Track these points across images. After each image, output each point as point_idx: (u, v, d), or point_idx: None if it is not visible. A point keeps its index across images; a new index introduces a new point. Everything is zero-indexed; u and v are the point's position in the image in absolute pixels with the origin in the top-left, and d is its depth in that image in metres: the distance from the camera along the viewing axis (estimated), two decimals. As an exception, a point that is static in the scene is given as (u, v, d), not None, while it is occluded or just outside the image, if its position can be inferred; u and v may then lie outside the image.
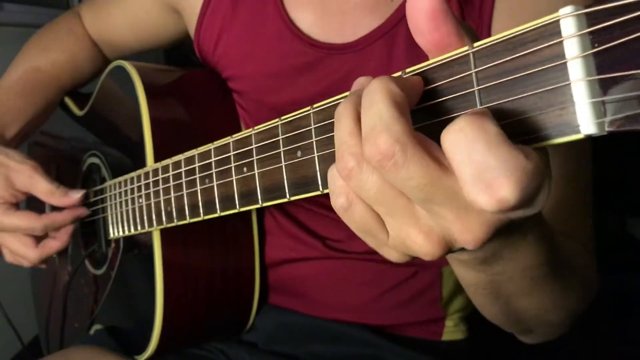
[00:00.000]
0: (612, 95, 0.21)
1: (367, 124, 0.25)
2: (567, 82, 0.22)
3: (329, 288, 0.67)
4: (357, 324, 0.66)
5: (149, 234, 0.61)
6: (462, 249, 0.28)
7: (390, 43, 0.58)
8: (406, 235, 0.27)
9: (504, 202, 0.22)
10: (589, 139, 0.21)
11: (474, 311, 0.69)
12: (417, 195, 0.25)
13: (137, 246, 0.65)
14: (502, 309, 0.44)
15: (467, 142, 0.23)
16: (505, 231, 0.28)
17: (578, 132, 0.22)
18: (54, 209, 0.72)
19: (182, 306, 0.62)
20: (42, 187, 0.67)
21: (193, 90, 0.68)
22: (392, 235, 0.28)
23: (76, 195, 0.68)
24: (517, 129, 0.24)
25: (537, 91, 0.23)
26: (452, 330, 0.69)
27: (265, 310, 0.71)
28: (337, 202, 0.29)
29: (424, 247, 0.27)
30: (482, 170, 0.22)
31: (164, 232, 0.60)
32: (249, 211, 0.67)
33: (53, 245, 0.69)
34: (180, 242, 0.62)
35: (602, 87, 0.22)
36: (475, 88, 0.26)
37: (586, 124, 0.22)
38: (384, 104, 0.25)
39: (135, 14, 0.78)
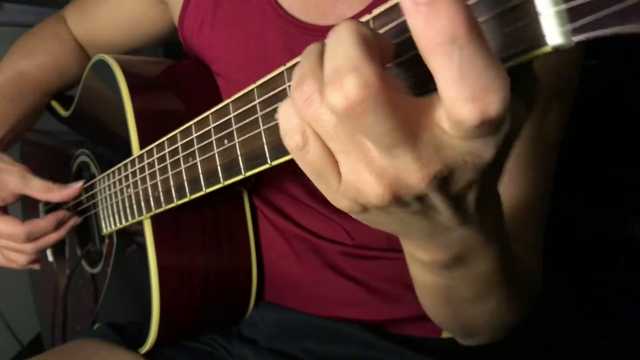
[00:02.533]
0: (574, 2, 0.21)
1: (330, 65, 0.23)
2: (529, -6, 0.22)
3: (323, 285, 0.66)
4: (355, 322, 0.65)
5: (141, 226, 0.60)
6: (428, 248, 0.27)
7: None
8: (357, 176, 0.25)
9: (490, 114, 0.21)
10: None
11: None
12: (381, 141, 0.23)
13: (130, 240, 0.65)
14: (451, 312, 0.44)
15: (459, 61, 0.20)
16: (473, 225, 0.27)
17: (545, 44, 0.22)
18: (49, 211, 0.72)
19: (179, 298, 0.62)
20: (37, 186, 0.66)
21: (177, 81, 0.67)
22: (344, 178, 0.26)
23: (76, 185, 0.67)
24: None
25: (500, 9, 0.23)
26: None
27: (263, 307, 0.70)
28: (292, 141, 0.26)
29: (375, 190, 0.25)
30: (474, 88, 0.21)
31: (155, 223, 0.59)
32: (242, 201, 0.67)
33: (41, 242, 0.69)
34: (173, 232, 0.61)
35: (564, -6, 0.21)
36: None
37: (552, 34, 0.22)
38: (352, 44, 0.22)
39: (122, 8, 0.77)
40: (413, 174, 0.24)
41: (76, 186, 0.67)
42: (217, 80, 0.68)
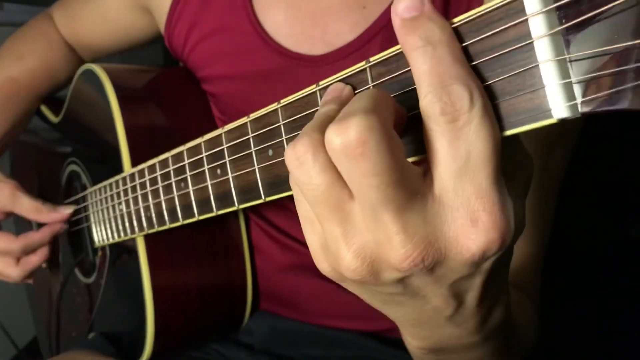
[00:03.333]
0: (583, 75, 0.20)
1: (342, 113, 0.23)
2: (534, 64, 0.21)
3: (320, 297, 0.65)
4: (354, 331, 0.65)
5: (135, 240, 0.59)
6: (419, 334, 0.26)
7: (362, 59, 0.55)
8: (335, 246, 0.24)
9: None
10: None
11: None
12: (370, 196, 0.22)
13: (124, 253, 0.64)
14: None
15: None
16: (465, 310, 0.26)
17: (550, 116, 0.21)
18: (41, 225, 0.70)
19: (173, 312, 0.61)
20: (26, 205, 0.65)
21: (167, 90, 0.66)
22: (325, 244, 0.25)
23: (66, 211, 0.66)
24: (487, 116, 0.23)
25: (505, 76, 0.22)
26: None
27: (260, 316, 0.70)
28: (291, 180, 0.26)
29: (351, 263, 0.24)
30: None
31: (148, 238, 0.59)
32: (237, 213, 0.66)
33: (33, 260, 0.68)
34: (166, 247, 0.60)
35: (572, 67, 0.20)
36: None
37: (558, 107, 0.21)
38: (369, 97, 0.23)
39: (107, 14, 0.75)
40: (395, 249, 0.23)
41: (65, 212, 0.66)
42: (208, 96, 0.66)
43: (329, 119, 0.24)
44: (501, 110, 0.22)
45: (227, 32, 0.60)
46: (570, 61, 0.20)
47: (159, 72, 0.67)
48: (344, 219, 0.24)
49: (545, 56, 0.20)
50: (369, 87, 0.27)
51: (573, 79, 0.20)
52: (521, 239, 0.49)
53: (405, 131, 0.26)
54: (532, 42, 0.21)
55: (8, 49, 0.82)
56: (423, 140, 0.23)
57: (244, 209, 0.67)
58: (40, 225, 0.70)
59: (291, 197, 0.70)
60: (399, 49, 0.25)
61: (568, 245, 0.52)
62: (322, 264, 0.26)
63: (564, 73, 0.20)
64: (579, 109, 0.20)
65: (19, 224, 0.87)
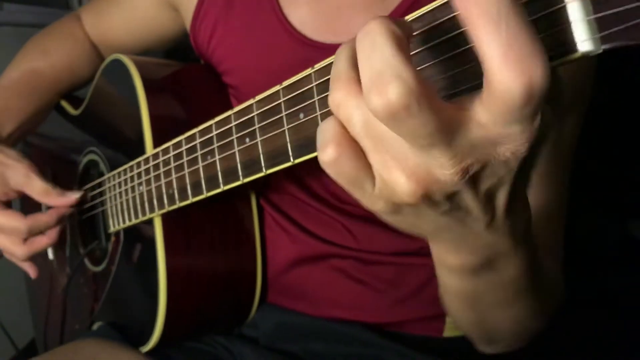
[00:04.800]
0: (604, 12, 0.22)
1: (369, 70, 0.23)
2: (562, 5, 0.23)
3: (327, 288, 0.67)
4: (357, 323, 0.66)
5: (150, 225, 0.61)
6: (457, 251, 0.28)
7: None
8: (388, 174, 0.26)
9: (534, 82, 0.22)
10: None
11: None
12: (419, 142, 0.24)
13: (138, 237, 0.65)
14: (476, 318, 0.44)
15: (498, 18, 0.21)
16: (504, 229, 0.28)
17: (575, 50, 0.23)
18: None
19: (185, 295, 0.62)
20: (37, 187, 0.67)
21: (190, 83, 0.69)
22: (378, 178, 0.27)
23: (74, 195, 0.68)
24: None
25: (534, 16, 0.24)
26: (453, 327, 0.68)
27: (265, 309, 0.71)
28: (325, 156, 0.27)
29: (407, 187, 0.26)
30: (516, 52, 0.21)
31: (165, 223, 0.60)
32: (250, 203, 0.68)
33: (41, 241, 0.69)
34: (182, 233, 0.62)
35: (594, 4, 0.23)
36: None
37: (582, 41, 0.23)
38: (389, 49, 0.23)
39: (134, 13, 0.79)
40: (446, 169, 0.25)
41: (73, 197, 0.68)
42: (229, 90, 0.69)
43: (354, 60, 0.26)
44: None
45: (254, 26, 0.63)
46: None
47: (182, 66, 0.70)
48: (392, 148, 0.26)
49: (571, -4, 0.23)
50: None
51: (595, 15, 0.23)
52: (540, 193, 0.51)
53: (436, 68, 0.28)
54: (560, -15, 0.23)
55: (35, 43, 0.86)
56: (452, 78, 0.26)
57: (260, 199, 0.69)
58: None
59: (306, 188, 0.72)
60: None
61: (568, 245, 0.54)
62: (376, 204, 0.28)
63: (587, 10, 0.23)
64: (601, 44, 0.23)
65: (26, 210, 0.88)
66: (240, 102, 0.67)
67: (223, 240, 0.65)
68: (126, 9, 0.80)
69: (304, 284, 0.68)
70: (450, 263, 0.34)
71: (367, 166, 0.28)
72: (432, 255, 0.37)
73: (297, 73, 0.61)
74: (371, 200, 0.29)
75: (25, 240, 0.68)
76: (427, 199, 0.27)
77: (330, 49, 0.59)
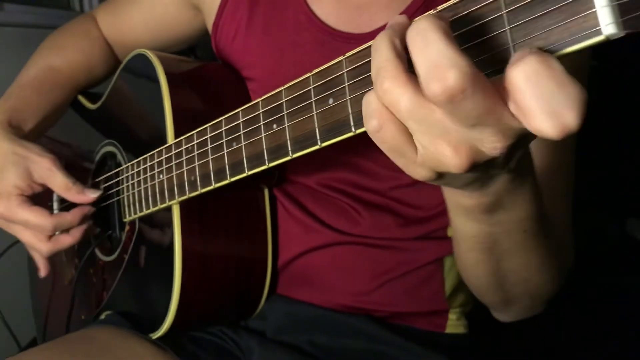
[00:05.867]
0: (628, -1, 0.25)
1: (426, 62, 0.27)
2: (587, -8, 0.26)
3: (336, 274, 0.69)
4: (363, 315, 0.68)
5: (167, 213, 0.62)
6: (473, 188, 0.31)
7: None
8: (435, 149, 0.29)
9: (568, 128, 0.25)
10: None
11: (474, 308, 0.72)
12: (471, 121, 0.27)
13: (154, 225, 0.67)
14: (492, 269, 0.47)
15: (536, 77, 0.26)
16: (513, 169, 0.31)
17: (599, 33, 0.26)
18: (62, 205, 0.73)
19: (198, 282, 0.64)
20: (59, 181, 0.68)
21: (211, 78, 0.71)
22: (422, 151, 0.30)
23: (92, 195, 0.69)
24: (545, 41, 0.28)
25: (560, 4, 0.27)
26: (455, 324, 0.70)
27: (274, 300, 0.72)
28: (370, 125, 0.31)
29: (454, 160, 0.29)
30: (550, 103, 0.25)
31: (182, 211, 0.61)
32: (263, 196, 0.69)
33: (65, 240, 0.71)
34: (198, 221, 0.63)
35: (619, -8, 0.25)
36: (504, 11, 0.29)
37: (606, 25, 0.25)
38: (443, 42, 0.26)
39: (152, 11, 0.81)
40: (490, 144, 0.28)
41: (92, 195, 0.69)
42: (249, 84, 0.71)
43: (401, 43, 0.29)
44: (556, 35, 0.27)
45: (279, 22, 0.66)
46: (617, -12, 0.25)
47: (204, 63, 0.73)
48: (435, 124, 0.29)
49: (596, -15, 0.25)
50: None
51: (619, 1, 0.25)
52: (540, 155, 0.54)
53: (477, 49, 0.31)
54: (586, -26, 0.26)
55: (50, 41, 0.88)
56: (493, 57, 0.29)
57: (273, 189, 0.70)
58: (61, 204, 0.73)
59: (320, 176, 0.74)
60: None
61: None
62: (419, 173, 0.32)
63: (612, -3, 0.25)
64: (623, 28, 0.25)
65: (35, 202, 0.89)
66: (260, 95, 0.70)
67: (237, 228, 0.67)
68: (145, 8, 0.82)
69: (313, 271, 0.69)
70: (467, 204, 0.38)
71: (409, 136, 0.31)
72: (446, 201, 0.41)
73: (322, 64, 0.64)
74: (413, 167, 0.31)
75: (49, 237, 0.70)
76: (473, 168, 0.30)
77: (357, 39, 0.63)
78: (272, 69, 0.67)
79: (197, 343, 0.70)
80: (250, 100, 0.70)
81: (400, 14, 0.62)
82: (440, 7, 0.32)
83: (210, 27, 0.74)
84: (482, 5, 0.30)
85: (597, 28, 0.26)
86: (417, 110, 0.29)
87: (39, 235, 0.69)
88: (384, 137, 0.31)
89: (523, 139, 0.29)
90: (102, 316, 0.76)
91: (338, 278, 0.68)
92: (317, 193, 0.68)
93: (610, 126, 0.94)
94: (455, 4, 0.31)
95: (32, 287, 1.00)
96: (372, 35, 0.62)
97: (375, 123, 0.31)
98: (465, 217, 0.40)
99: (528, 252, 0.45)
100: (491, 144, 0.28)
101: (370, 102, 0.31)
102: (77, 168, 0.84)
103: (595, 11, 0.26)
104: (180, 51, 0.86)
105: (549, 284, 0.51)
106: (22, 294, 1.02)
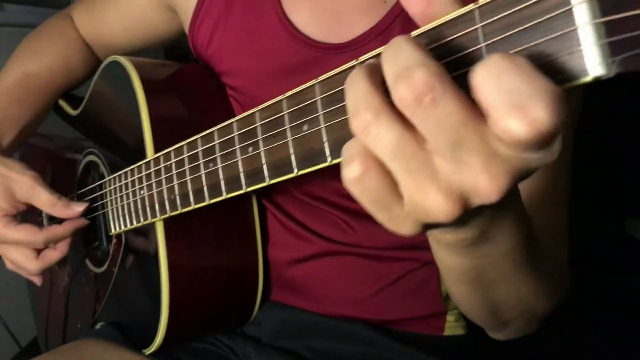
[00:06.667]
0: (617, 36, 0.22)
1: (395, 68, 0.24)
2: (573, 28, 0.23)
3: (330, 284, 0.67)
4: (359, 321, 0.66)
5: (152, 227, 0.61)
6: (454, 227, 0.28)
7: (385, 42, 0.58)
8: (424, 195, 0.26)
9: (538, 124, 0.22)
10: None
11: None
12: (448, 137, 0.24)
13: (140, 240, 0.65)
14: (481, 298, 0.44)
15: (499, 72, 0.22)
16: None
17: (586, 74, 0.23)
18: (52, 218, 0.71)
19: (188, 298, 0.62)
20: (43, 199, 0.66)
21: (190, 84, 0.68)
22: (409, 200, 0.26)
23: (79, 208, 0.68)
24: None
25: (544, 39, 0.24)
26: (453, 325, 0.69)
27: (268, 307, 0.71)
28: (351, 171, 0.27)
29: (443, 207, 0.25)
30: (514, 96, 0.22)
31: (167, 224, 0.60)
32: (251, 204, 0.68)
33: (53, 255, 0.69)
34: (184, 233, 0.62)
35: (607, 29, 0.22)
36: (482, 44, 0.26)
37: (594, 66, 0.23)
38: (413, 49, 0.24)
39: (130, 12, 0.77)
40: (483, 185, 0.24)
41: (78, 209, 0.67)
42: (228, 91, 0.69)
43: (379, 77, 0.26)
44: (542, 70, 0.24)
45: (255, 28, 0.63)
46: (606, 23, 0.22)
47: (181, 66, 0.70)
48: (423, 165, 0.25)
49: (583, 20, 0.23)
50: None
51: (608, 40, 0.22)
52: (540, 178, 0.51)
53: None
54: (572, 8, 0.23)
55: (27, 45, 0.84)
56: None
57: (262, 200, 0.69)
58: (51, 218, 0.71)
59: (309, 187, 0.72)
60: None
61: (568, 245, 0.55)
62: (405, 227, 0.28)
63: (600, 35, 0.22)
64: (614, 69, 0.22)
65: (24, 217, 0.88)
66: (241, 103, 0.68)
67: (224, 240, 0.65)
68: (122, 9, 0.78)
69: (307, 281, 0.68)
70: (447, 240, 0.34)
71: (394, 185, 0.27)
72: (428, 238, 0.37)
73: (300, 73, 0.61)
74: (397, 222, 0.28)
75: (38, 253, 0.69)
76: (462, 216, 0.26)
77: (335, 48, 0.60)
78: (249, 77, 0.65)
79: (191, 352, 0.69)
80: (230, 107, 0.68)
81: (381, 20, 0.59)
82: (415, 33, 0.29)
83: (186, 29, 0.70)
84: (460, 35, 0.27)
85: (584, 69, 0.23)
86: (403, 145, 0.25)
87: (27, 254, 0.68)
88: (368, 185, 0.27)
89: (518, 175, 0.25)
90: (97, 326, 0.76)
91: (332, 287, 0.67)
92: (306, 204, 0.66)
93: (610, 126, 0.91)
94: (428, 31, 0.29)
95: (31, 294, 1.00)
96: (351, 44, 0.59)
97: (357, 169, 0.26)
98: (447, 250, 0.37)
99: (518, 280, 0.42)
100: (484, 185, 0.24)
101: (350, 146, 0.27)
102: (61, 176, 0.82)
103: (581, 49, 0.23)
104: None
105: (544, 306, 0.49)
106: (22, 294, 1.02)
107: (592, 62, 0.23)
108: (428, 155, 0.25)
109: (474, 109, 0.24)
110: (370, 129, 0.25)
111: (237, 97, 0.67)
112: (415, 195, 0.26)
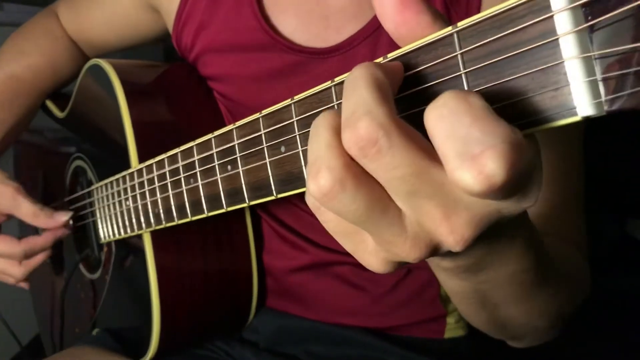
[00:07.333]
0: (609, 73, 0.20)
1: (346, 111, 0.23)
2: (559, 61, 0.21)
3: (327, 294, 0.66)
4: (359, 328, 0.65)
5: (141, 236, 0.59)
6: (449, 254, 0.26)
7: (373, 45, 0.56)
8: (391, 245, 0.24)
9: (491, 178, 0.19)
10: (581, 132, 0.20)
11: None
12: (401, 188, 0.23)
13: (130, 249, 0.64)
14: (489, 317, 0.42)
15: (450, 116, 0.20)
16: (494, 233, 0.25)
17: (575, 114, 0.21)
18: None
19: (179, 308, 0.61)
20: (25, 210, 0.65)
21: (175, 86, 0.66)
22: (375, 246, 0.26)
23: (62, 218, 0.66)
24: (509, 113, 0.23)
25: (528, 72, 0.22)
26: (454, 327, 0.67)
27: (265, 313, 0.70)
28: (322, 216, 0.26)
29: (411, 254, 0.24)
30: (466, 144, 0.20)
31: (155, 235, 0.58)
32: (243, 212, 0.66)
33: (36, 260, 0.69)
34: (173, 243, 0.60)
35: (598, 64, 0.20)
36: (462, 71, 0.24)
37: (583, 105, 0.20)
38: (366, 89, 0.22)
39: (114, 12, 0.75)
40: (446, 236, 0.23)
41: (62, 219, 0.66)
42: (216, 95, 0.67)
43: (337, 126, 0.24)
44: (524, 108, 0.22)
45: (238, 34, 0.61)
46: (596, 58, 0.20)
47: (166, 67, 0.67)
48: (391, 222, 0.24)
49: (570, 53, 0.20)
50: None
51: (599, 76, 0.20)
52: (549, 183, 0.49)
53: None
54: (558, 38, 0.20)
55: (11, 45, 0.81)
56: None
57: (256, 209, 0.67)
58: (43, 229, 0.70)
59: (302, 196, 0.71)
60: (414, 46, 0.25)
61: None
62: (373, 263, 0.26)
63: (590, 70, 0.20)
64: (604, 108, 0.20)
65: (23, 226, 0.87)
66: (229, 108, 0.66)
67: (215, 248, 0.63)
68: (106, 7, 0.76)
69: (304, 290, 0.67)
70: (445, 266, 0.33)
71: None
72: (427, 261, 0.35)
73: (287, 78, 0.58)
74: (363, 257, 0.26)
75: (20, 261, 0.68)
76: (434, 255, 0.25)
77: (322, 53, 0.57)
78: (234, 83, 0.63)
79: (189, 358, 0.68)
80: (218, 108, 0.66)
81: (369, 22, 0.56)
82: (390, 56, 0.27)
83: (170, 31, 0.68)
84: (439, 62, 0.25)
85: (571, 107, 0.21)
86: (371, 211, 0.23)
87: (11, 262, 0.67)
88: (332, 215, 0.26)
89: (487, 222, 0.23)
90: (94, 332, 0.75)
91: (329, 297, 0.66)
92: (300, 213, 0.65)
93: (610, 126, 0.88)
94: (406, 54, 0.26)
95: (33, 294, 1.00)
96: (340, 47, 0.57)
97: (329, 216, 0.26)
98: (446, 275, 0.35)
99: (526, 301, 0.40)
100: (446, 235, 0.23)
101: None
102: (52, 180, 0.80)
103: (569, 86, 0.21)
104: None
105: (563, 312, 0.46)
106: (22, 294, 1.02)
107: (580, 100, 0.20)
108: (395, 210, 0.24)
109: (431, 155, 0.22)
110: (333, 196, 0.23)
111: (224, 103, 0.65)
112: (382, 245, 0.25)
